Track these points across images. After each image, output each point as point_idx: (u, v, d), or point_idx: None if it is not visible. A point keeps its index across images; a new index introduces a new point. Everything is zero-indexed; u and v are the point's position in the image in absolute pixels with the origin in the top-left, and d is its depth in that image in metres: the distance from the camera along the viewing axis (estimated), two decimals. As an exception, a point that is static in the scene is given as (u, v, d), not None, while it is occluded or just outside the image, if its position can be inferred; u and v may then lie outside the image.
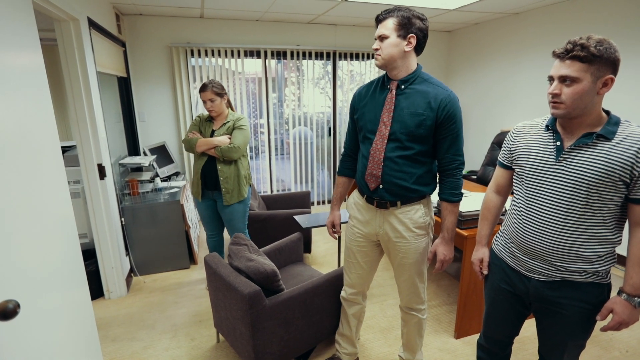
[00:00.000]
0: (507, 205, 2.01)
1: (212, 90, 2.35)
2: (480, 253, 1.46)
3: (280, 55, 4.19)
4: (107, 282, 2.63)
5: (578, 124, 1.15)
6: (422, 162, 1.52)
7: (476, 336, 2.21)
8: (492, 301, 1.44)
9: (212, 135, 2.45)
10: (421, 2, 3.27)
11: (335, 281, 1.96)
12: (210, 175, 2.44)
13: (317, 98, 4.53)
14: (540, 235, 1.21)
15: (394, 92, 1.49)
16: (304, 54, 4.25)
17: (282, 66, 4.37)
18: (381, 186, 1.53)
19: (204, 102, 2.38)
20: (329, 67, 4.50)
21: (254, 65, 4.22)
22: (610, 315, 1.17)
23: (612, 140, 1.10)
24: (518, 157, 1.30)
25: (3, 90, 1.09)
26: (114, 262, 2.60)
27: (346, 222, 1.98)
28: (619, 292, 1.15)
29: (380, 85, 1.57)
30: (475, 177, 3.57)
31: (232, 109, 2.56)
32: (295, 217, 2.75)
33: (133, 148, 3.76)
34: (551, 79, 1.13)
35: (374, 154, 1.52)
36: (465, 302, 2.13)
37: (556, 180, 1.17)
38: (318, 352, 2.09)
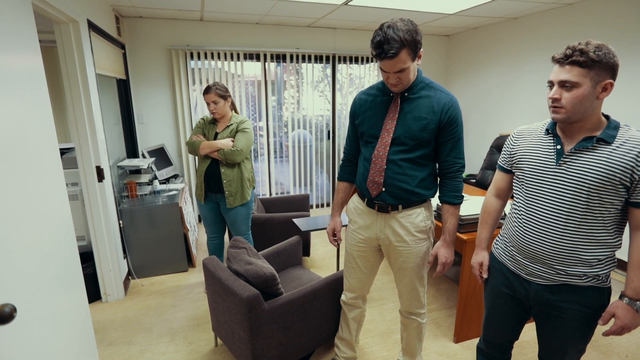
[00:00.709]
0: (507, 209, 2.02)
1: (215, 92, 2.35)
2: (480, 257, 1.45)
3: (279, 58, 4.20)
4: (105, 285, 2.61)
5: (578, 128, 1.15)
6: (425, 165, 1.53)
7: (475, 340, 2.21)
8: (492, 305, 1.43)
9: (215, 137, 2.45)
10: (421, 6, 3.28)
11: (334, 285, 1.95)
12: (214, 178, 2.44)
13: (317, 101, 4.54)
14: (540, 239, 1.21)
15: (398, 100, 1.49)
16: (303, 57, 4.26)
17: (282, 69, 4.38)
18: (384, 189, 1.52)
19: (208, 104, 2.39)
20: (328, 71, 4.51)
21: (253, 68, 4.22)
22: (612, 320, 1.17)
23: (612, 144, 1.10)
24: (518, 161, 1.30)
25: (2, 91, 1.09)
26: (112, 265, 2.59)
27: (345, 226, 1.98)
28: (621, 297, 1.15)
29: (382, 91, 1.55)
30: (474, 180, 3.57)
31: (236, 112, 2.56)
32: (295, 220, 2.75)
33: (132, 150, 3.75)
34: (551, 83, 1.14)
35: (376, 160, 1.52)
36: (464, 306, 2.12)
37: (557, 184, 1.18)
38: (317, 356, 2.08)
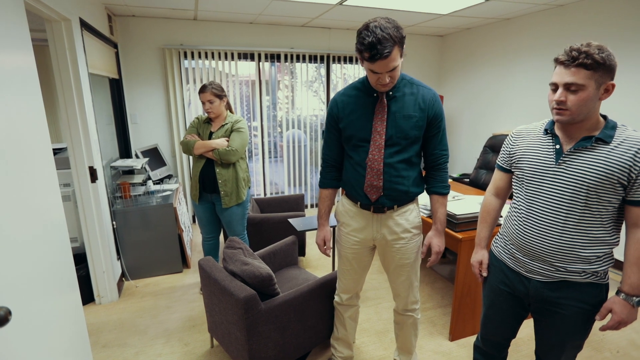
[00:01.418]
0: (503, 212, 2.04)
1: (211, 91, 2.33)
2: (479, 255, 1.47)
3: (274, 58, 4.19)
4: (98, 287, 2.58)
5: (577, 128, 1.17)
6: (416, 164, 1.56)
7: (470, 338, 2.23)
8: (492, 303, 1.45)
9: (210, 137, 2.44)
10: (415, 6, 3.30)
11: (331, 284, 1.95)
12: (209, 178, 2.43)
13: (311, 101, 4.54)
14: (540, 237, 1.23)
15: (384, 100, 1.47)
16: (297, 57, 4.25)
17: (276, 69, 4.37)
18: (382, 194, 1.52)
19: (203, 103, 2.37)
20: (322, 70, 4.51)
21: (247, 68, 4.20)
22: (609, 315, 1.20)
23: (611, 144, 1.12)
24: (518, 161, 1.32)
25: (-6, 91, 1.07)
26: (105, 266, 2.56)
27: (333, 227, 1.96)
28: (618, 292, 1.18)
29: (363, 91, 1.52)
30: (468, 180, 3.60)
31: (231, 111, 2.55)
32: (290, 220, 2.74)
33: (125, 150, 3.71)
34: (555, 85, 1.14)
35: (372, 164, 1.50)
36: (459, 304, 2.14)
37: (556, 183, 1.19)
38: (313, 356, 2.08)
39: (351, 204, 1.63)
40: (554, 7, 3.32)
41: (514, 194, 1.38)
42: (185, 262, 3.17)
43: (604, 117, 1.18)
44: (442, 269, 3.13)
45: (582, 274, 1.20)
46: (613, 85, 1.10)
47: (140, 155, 3.48)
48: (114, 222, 2.77)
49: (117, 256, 2.83)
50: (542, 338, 1.37)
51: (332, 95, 4.53)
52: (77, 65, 2.23)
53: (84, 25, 2.42)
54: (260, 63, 4.13)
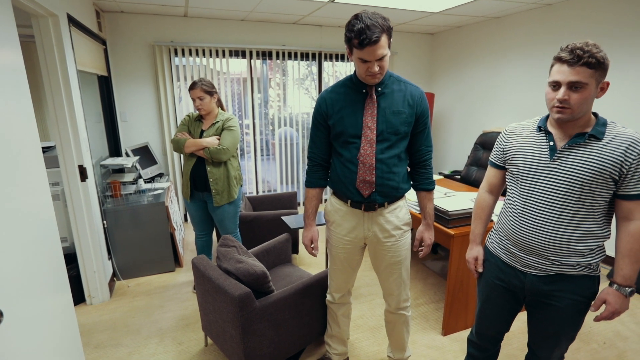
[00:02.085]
0: (496, 209, 2.06)
1: (201, 88, 2.31)
2: (474, 251, 1.49)
3: (265, 55, 4.17)
4: (89, 287, 2.55)
5: (571, 125, 1.20)
6: (404, 160, 1.59)
7: (463, 333, 2.26)
8: (487, 298, 1.47)
9: (201, 135, 2.42)
10: (406, 4, 3.32)
11: (325, 281, 1.96)
12: (200, 176, 2.41)
13: (302, 99, 4.53)
14: (536, 232, 1.26)
15: (374, 95, 1.48)
16: (289, 54, 4.24)
17: (267, 67, 4.35)
18: (374, 190, 1.53)
19: (193, 100, 2.35)
20: (314, 68, 4.50)
21: (239, 65, 4.18)
22: (603, 306, 1.24)
23: (603, 140, 1.15)
24: (512, 158, 1.34)
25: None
26: (96, 266, 2.52)
27: (323, 225, 1.95)
28: (611, 284, 1.22)
29: (351, 88, 1.52)
30: (459, 177, 3.63)
31: (222, 109, 2.53)
32: (283, 217, 2.74)
33: (114, 149, 3.66)
34: (557, 84, 1.14)
35: (364, 159, 1.50)
36: (452, 299, 2.17)
37: (551, 179, 1.22)
38: (308, 353, 2.09)
39: (341, 203, 1.63)
40: (542, 6, 3.37)
41: (507, 190, 1.40)
42: (177, 261, 3.14)
43: (595, 114, 1.21)
44: (434, 265, 3.17)
45: (576, 267, 1.24)
46: (607, 84, 1.14)
47: (130, 153, 3.44)
48: (105, 222, 2.73)
49: (108, 256, 2.79)
50: (536, 330, 1.40)
51: (324, 92, 4.54)
52: (65, 62, 2.19)
53: (72, 21, 2.38)
54: (252, 60, 4.11)
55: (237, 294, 1.62)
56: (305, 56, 4.33)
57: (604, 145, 1.15)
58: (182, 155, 3.92)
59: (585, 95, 1.11)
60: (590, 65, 1.08)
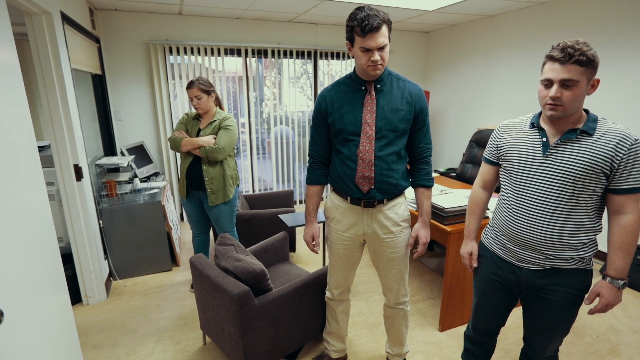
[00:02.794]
0: (491, 205, 2.09)
1: (198, 87, 2.31)
2: (469, 247, 1.51)
3: (261, 53, 4.15)
4: (85, 287, 2.53)
5: (563, 122, 1.22)
6: (404, 157, 1.60)
7: (460, 328, 2.28)
8: (483, 292, 1.49)
9: (198, 134, 2.41)
10: (401, 3, 3.33)
11: (323, 279, 1.97)
12: (196, 175, 2.40)
13: (298, 97, 4.52)
14: (530, 226, 1.28)
15: (373, 92, 1.50)
16: (285, 52, 4.23)
17: (263, 65, 4.34)
18: (373, 187, 1.54)
19: (191, 99, 2.35)
20: (309, 66, 4.50)
21: (234, 64, 4.16)
22: (597, 299, 1.26)
23: (594, 136, 1.18)
24: (505, 154, 1.36)
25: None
26: (92, 266, 2.51)
27: (322, 222, 1.95)
28: (604, 277, 1.24)
29: (352, 86, 1.54)
30: (455, 174, 3.66)
31: (221, 108, 2.52)
32: (280, 216, 2.74)
33: (109, 148, 3.63)
34: (549, 82, 1.17)
35: (364, 155, 1.51)
36: (449, 295, 2.19)
37: (544, 174, 1.24)
38: (306, 351, 2.10)
39: (340, 199, 1.64)
40: (536, 4, 3.40)
41: (502, 186, 1.42)
42: (174, 260, 3.13)
43: (586, 110, 1.23)
44: (430, 261, 3.19)
45: (570, 261, 1.26)
46: (598, 81, 1.16)
47: (125, 152, 3.41)
48: (101, 221, 2.71)
49: (105, 255, 2.78)
50: (532, 324, 1.42)
51: (319, 90, 4.55)
52: (60, 61, 2.17)
53: (65, 19, 2.36)
54: (247, 59, 4.10)
55: (236, 292, 1.62)
56: (300, 54, 4.32)
57: (595, 140, 1.17)
58: (178, 155, 3.90)
59: (576, 92, 1.13)
60: (581, 63, 1.10)
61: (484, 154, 1.49)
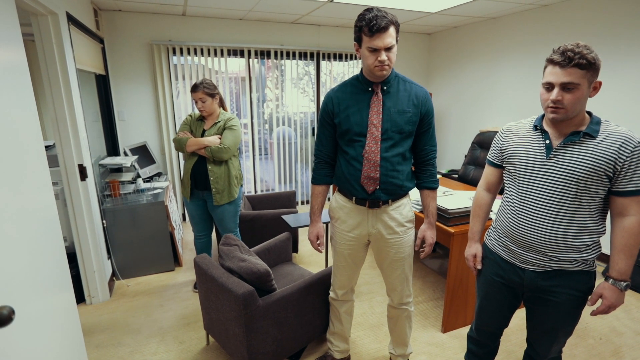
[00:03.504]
0: (494, 207, 2.09)
1: (203, 90, 2.32)
2: (473, 249, 1.51)
3: (264, 54, 4.17)
4: (89, 287, 2.54)
5: (566, 124, 1.23)
6: (409, 158, 1.61)
7: (462, 329, 2.29)
8: (486, 294, 1.49)
9: (203, 135, 2.43)
10: (404, 5, 3.34)
11: (327, 279, 1.97)
12: (201, 175, 2.41)
13: (299, 98, 4.54)
14: (534, 228, 1.28)
15: (380, 94, 1.51)
16: (287, 53, 4.24)
17: (265, 66, 4.35)
18: (378, 187, 1.55)
19: (195, 102, 2.36)
20: (311, 67, 4.51)
21: (237, 65, 4.17)
22: (599, 301, 1.26)
23: (597, 138, 1.19)
24: (509, 156, 1.37)
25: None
26: (96, 266, 2.52)
27: (326, 223, 1.95)
28: (607, 278, 1.24)
29: (359, 87, 1.56)
30: (457, 176, 3.67)
31: (224, 109, 2.54)
32: (284, 216, 2.75)
33: (112, 148, 3.64)
34: (550, 85, 1.18)
35: (369, 156, 1.52)
36: (452, 296, 2.19)
37: (548, 177, 1.25)
38: (310, 351, 2.10)
39: (345, 200, 1.65)
40: (538, 6, 3.41)
41: (505, 188, 1.43)
42: (177, 261, 3.14)
43: (589, 113, 1.24)
44: (433, 263, 3.20)
45: (574, 263, 1.26)
46: (600, 83, 1.17)
47: (129, 152, 3.42)
48: (104, 221, 2.72)
49: (108, 255, 2.78)
50: (535, 325, 1.42)
51: (321, 92, 4.56)
52: (65, 61, 2.18)
53: (71, 19, 2.37)
54: (250, 60, 4.11)
55: (240, 292, 1.63)
56: (303, 55, 4.34)
57: (598, 143, 1.18)
58: (181, 155, 3.92)
59: (577, 95, 1.14)
60: (581, 66, 1.11)
61: (487, 157, 1.50)
